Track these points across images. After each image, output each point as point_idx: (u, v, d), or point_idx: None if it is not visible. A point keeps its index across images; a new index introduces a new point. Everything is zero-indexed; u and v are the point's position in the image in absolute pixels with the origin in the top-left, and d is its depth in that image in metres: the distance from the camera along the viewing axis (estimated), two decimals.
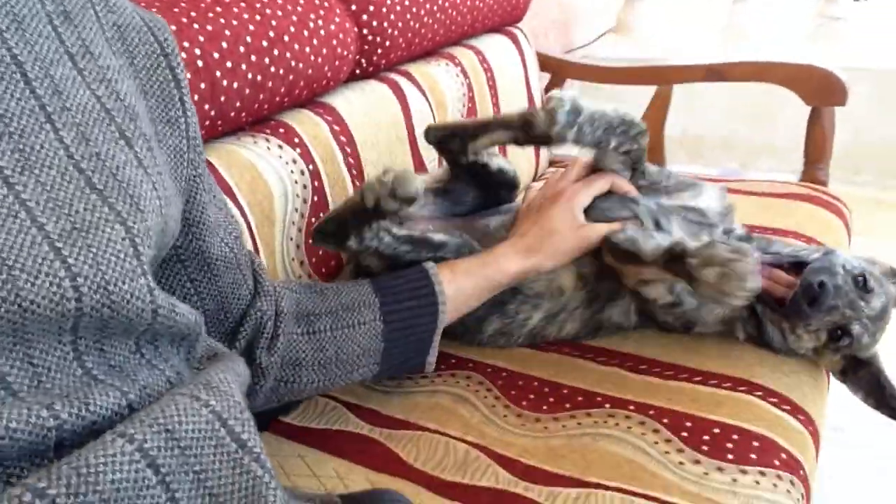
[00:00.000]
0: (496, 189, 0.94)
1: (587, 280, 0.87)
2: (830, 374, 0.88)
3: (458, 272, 0.79)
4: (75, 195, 0.39)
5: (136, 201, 0.42)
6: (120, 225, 0.40)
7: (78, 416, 0.37)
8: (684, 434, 0.75)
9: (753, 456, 0.72)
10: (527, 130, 0.83)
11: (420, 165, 1.12)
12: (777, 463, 0.71)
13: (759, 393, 0.80)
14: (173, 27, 0.77)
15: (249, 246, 0.83)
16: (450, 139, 0.91)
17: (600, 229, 0.82)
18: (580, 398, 0.82)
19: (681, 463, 0.71)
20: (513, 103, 1.38)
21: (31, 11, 0.43)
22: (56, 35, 0.44)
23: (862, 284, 0.79)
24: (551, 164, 1.55)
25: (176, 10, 0.80)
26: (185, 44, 0.77)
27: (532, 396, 0.83)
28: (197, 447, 0.39)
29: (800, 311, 0.78)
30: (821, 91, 1.35)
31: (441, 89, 1.19)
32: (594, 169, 0.87)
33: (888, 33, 2.32)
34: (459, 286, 0.79)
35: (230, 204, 0.80)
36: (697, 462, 0.71)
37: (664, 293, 0.83)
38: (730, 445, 0.73)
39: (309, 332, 0.71)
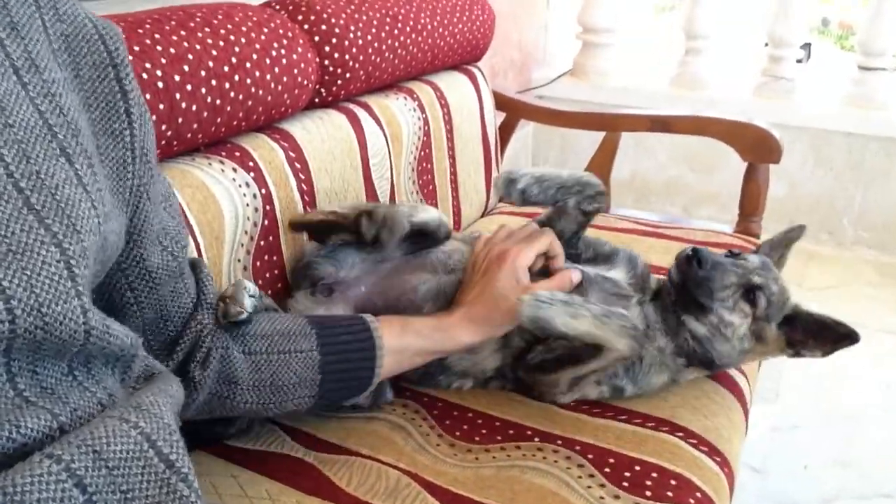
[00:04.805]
0: (421, 239, 0.93)
1: (507, 368, 0.89)
2: (785, 356, 0.90)
3: (409, 330, 0.80)
4: (12, 216, 0.40)
5: (73, 222, 0.43)
6: (55, 247, 0.41)
7: (9, 438, 0.38)
8: (607, 470, 0.78)
9: (670, 493, 0.75)
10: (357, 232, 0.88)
11: (372, 195, 1.15)
12: (692, 501, 0.75)
13: (680, 434, 0.84)
14: (136, 48, 0.79)
15: None
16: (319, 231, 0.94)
17: (544, 288, 0.82)
18: (511, 431, 0.84)
19: (602, 497, 0.74)
20: (468, 140, 1.43)
21: None
22: (1, 48, 0.44)
23: (734, 255, 0.88)
24: (501, 199, 1.60)
25: (140, 30, 0.81)
26: (147, 65, 0.79)
27: (465, 427, 0.86)
28: (124, 467, 0.40)
29: (696, 279, 0.84)
30: (757, 148, 1.43)
31: (398, 122, 1.22)
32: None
33: (826, 96, 2.46)
34: (407, 343, 0.80)
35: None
36: (617, 497, 0.74)
37: (600, 390, 0.88)
38: (649, 483, 0.77)
39: (245, 353, 0.72)
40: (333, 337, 0.76)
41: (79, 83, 0.50)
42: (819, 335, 0.87)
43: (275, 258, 0.97)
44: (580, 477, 0.77)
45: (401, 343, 0.79)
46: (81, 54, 0.50)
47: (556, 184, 0.82)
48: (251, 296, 0.73)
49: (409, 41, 1.22)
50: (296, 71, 0.99)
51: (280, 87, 0.96)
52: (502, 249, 0.84)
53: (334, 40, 1.07)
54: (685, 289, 0.86)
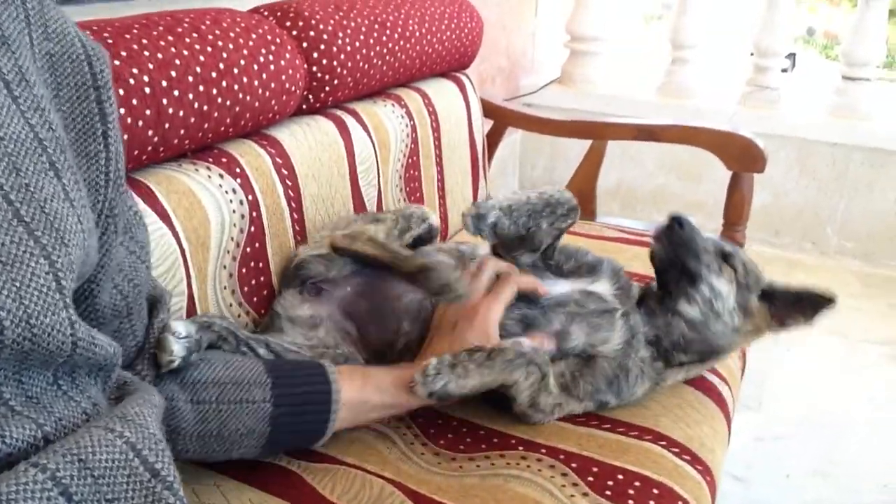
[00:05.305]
0: (417, 240, 0.95)
1: None
2: (772, 331, 0.93)
3: (369, 384, 0.78)
4: (2, 227, 0.40)
5: (62, 235, 0.43)
6: (44, 259, 0.41)
7: None
8: (590, 479, 0.78)
9: (652, 503, 0.76)
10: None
11: (360, 202, 1.15)
12: None
13: (663, 442, 0.84)
14: (124, 53, 0.79)
15: (182, 273, 0.84)
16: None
17: (508, 295, 0.84)
18: (495, 440, 0.85)
19: None
20: (456, 147, 1.43)
21: None
22: None
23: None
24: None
25: (128, 36, 0.81)
26: (134, 70, 0.79)
27: (450, 436, 0.86)
28: (110, 476, 0.40)
29: (681, 240, 0.87)
30: (741, 157, 1.44)
31: (385, 129, 1.22)
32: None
33: (810, 106, 2.48)
34: (366, 397, 0.77)
35: (169, 235, 0.81)
36: None
37: (584, 405, 0.88)
38: (631, 492, 0.77)
39: (193, 401, 0.69)
40: (290, 388, 0.73)
41: (58, 103, 0.49)
42: (798, 305, 0.91)
43: (261, 265, 0.96)
44: (563, 486, 0.77)
45: (360, 397, 0.77)
46: (64, 74, 0.50)
47: (525, 211, 0.81)
48: (182, 338, 0.69)
49: (397, 48, 1.22)
50: (283, 77, 0.99)
51: (268, 94, 0.96)
52: (472, 304, 0.83)
53: (322, 47, 1.07)
54: (674, 259, 0.88)
